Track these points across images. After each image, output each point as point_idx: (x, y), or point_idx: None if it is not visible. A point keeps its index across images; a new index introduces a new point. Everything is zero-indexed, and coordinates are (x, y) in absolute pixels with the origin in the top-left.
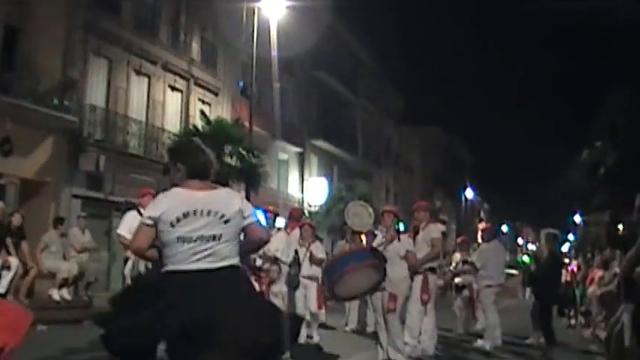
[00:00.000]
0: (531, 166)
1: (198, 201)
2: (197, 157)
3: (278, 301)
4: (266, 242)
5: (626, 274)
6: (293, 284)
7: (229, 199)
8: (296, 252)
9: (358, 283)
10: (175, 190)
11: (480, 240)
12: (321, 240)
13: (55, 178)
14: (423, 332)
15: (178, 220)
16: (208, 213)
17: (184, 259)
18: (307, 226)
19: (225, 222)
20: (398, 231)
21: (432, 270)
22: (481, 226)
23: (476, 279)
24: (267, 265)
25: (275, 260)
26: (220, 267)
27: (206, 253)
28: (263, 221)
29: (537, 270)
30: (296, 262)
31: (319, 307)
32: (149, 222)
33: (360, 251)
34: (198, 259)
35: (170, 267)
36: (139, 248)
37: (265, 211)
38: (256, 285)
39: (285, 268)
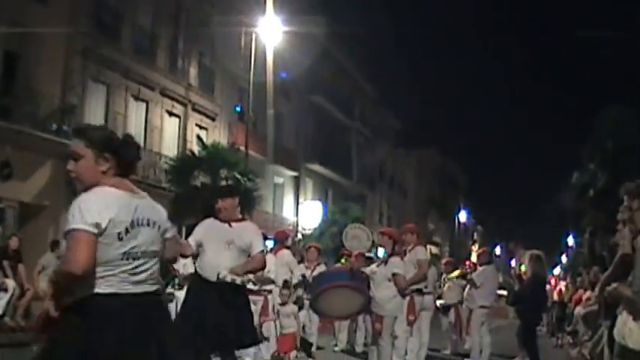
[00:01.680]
0: (525, 188)
1: (138, 207)
2: (130, 148)
3: (290, 321)
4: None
5: (604, 293)
6: (299, 304)
7: (160, 207)
8: (303, 275)
9: (338, 303)
10: (109, 191)
11: (474, 261)
12: (325, 263)
13: (53, 202)
14: (408, 352)
15: (127, 231)
16: (148, 223)
17: (125, 280)
18: (313, 249)
19: (163, 235)
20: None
21: (419, 291)
22: (475, 248)
23: (470, 299)
24: (270, 287)
25: (285, 283)
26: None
27: (149, 273)
28: None
29: (521, 290)
30: (302, 284)
31: (324, 329)
32: (93, 230)
33: (337, 272)
34: (139, 281)
35: (105, 289)
36: (88, 269)
37: None
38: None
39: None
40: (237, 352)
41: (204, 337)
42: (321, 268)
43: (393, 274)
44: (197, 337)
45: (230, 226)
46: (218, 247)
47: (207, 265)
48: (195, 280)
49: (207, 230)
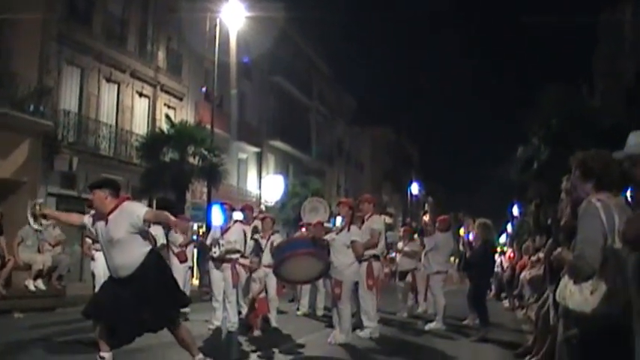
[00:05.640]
0: (473, 162)
1: None
2: None
3: (257, 286)
4: None
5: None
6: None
7: None
8: (257, 241)
9: (300, 269)
10: None
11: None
12: (278, 232)
13: (31, 178)
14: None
15: None
16: None
17: None
18: (268, 219)
19: None
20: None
21: (376, 257)
22: (426, 218)
23: (428, 265)
24: (235, 256)
25: (238, 251)
26: None
27: None
28: (220, 215)
29: (471, 257)
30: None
31: (278, 294)
32: None
33: (299, 240)
34: None
35: None
36: None
37: (222, 205)
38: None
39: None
40: (207, 317)
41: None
42: (276, 237)
43: (352, 242)
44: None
45: (107, 223)
46: (106, 249)
47: (107, 266)
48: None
49: (97, 232)
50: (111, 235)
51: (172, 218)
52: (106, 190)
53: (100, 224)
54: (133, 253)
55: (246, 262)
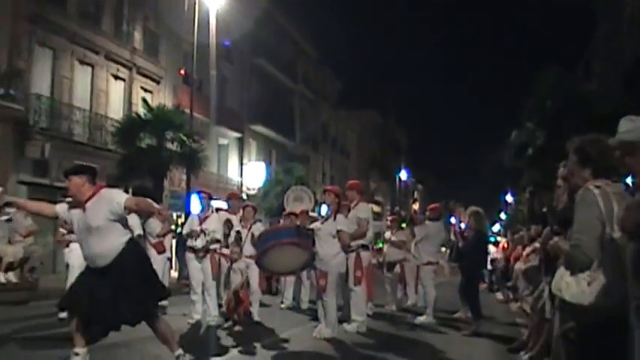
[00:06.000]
0: (464, 148)
1: None
2: None
3: (239, 277)
4: None
5: (544, 249)
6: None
7: None
8: (238, 232)
9: (284, 259)
10: None
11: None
12: (260, 221)
13: (1, 166)
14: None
15: None
16: None
17: None
18: (249, 208)
19: None
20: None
21: (365, 247)
22: (415, 207)
23: (418, 255)
24: (215, 246)
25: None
26: None
27: None
28: (197, 204)
29: (463, 247)
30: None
31: (260, 285)
32: None
33: (283, 229)
34: None
35: None
36: None
37: (199, 193)
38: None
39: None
40: (185, 311)
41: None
42: (257, 227)
43: (338, 231)
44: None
45: (84, 210)
46: (84, 237)
47: (84, 255)
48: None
49: (73, 221)
50: (89, 223)
51: (156, 205)
52: (84, 176)
53: (77, 212)
54: (112, 242)
55: (226, 252)
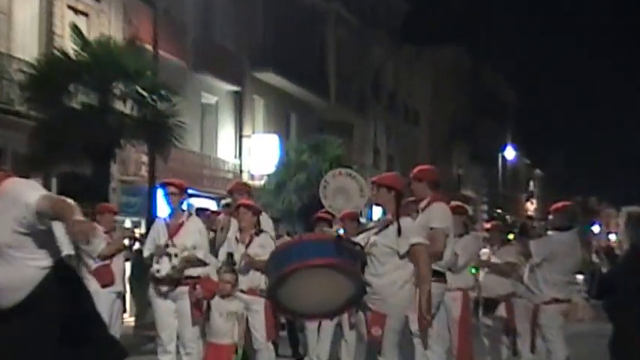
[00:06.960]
0: (609, 115)
1: None
2: None
3: (227, 326)
4: None
5: None
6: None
7: None
8: (230, 254)
9: (314, 292)
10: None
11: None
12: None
13: None
14: None
15: None
16: None
17: None
18: (244, 208)
19: None
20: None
21: (438, 274)
22: (531, 205)
23: (536, 288)
24: (195, 272)
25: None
26: None
27: None
28: (164, 202)
29: (613, 274)
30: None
31: (269, 337)
32: None
33: (313, 243)
34: None
35: None
36: None
37: (164, 187)
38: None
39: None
40: None
41: None
42: (260, 241)
43: (412, 245)
44: None
45: None
46: None
47: None
48: None
49: None
50: None
51: (78, 216)
52: None
53: None
54: (21, 269)
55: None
